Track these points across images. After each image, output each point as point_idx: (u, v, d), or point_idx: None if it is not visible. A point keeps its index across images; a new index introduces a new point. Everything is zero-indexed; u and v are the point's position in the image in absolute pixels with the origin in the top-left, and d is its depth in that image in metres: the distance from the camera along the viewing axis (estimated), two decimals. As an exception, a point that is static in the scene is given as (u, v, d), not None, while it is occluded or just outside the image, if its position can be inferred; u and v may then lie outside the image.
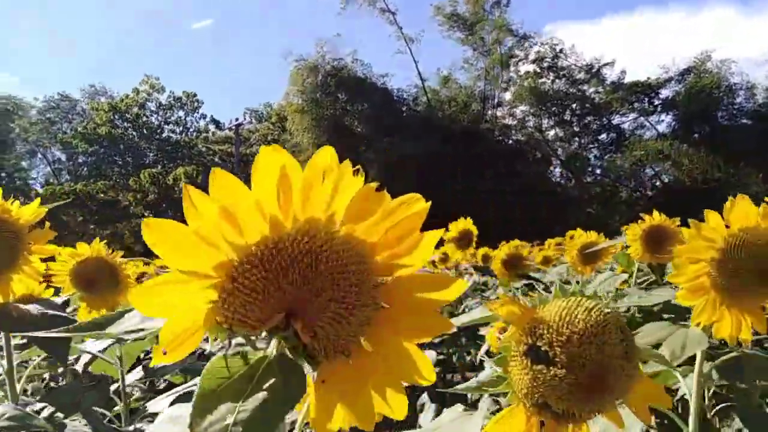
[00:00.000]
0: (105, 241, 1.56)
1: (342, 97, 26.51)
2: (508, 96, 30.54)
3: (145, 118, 34.93)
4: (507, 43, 28.02)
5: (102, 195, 27.88)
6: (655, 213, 1.87)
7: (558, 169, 31.05)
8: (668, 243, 1.88)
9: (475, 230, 2.59)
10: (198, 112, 36.71)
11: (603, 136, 31.24)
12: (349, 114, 26.99)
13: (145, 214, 27.20)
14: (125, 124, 34.27)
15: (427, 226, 0.46)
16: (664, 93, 28.27)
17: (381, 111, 25.91)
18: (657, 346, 1.10)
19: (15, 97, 24.81)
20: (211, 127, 37.77)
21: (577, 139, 31.45)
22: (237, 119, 32.68)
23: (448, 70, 30.11)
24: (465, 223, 2.56)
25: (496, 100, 29.61)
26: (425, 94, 28.31)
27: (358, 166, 0.45)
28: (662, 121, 29.07)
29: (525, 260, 2.74)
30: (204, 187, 0.40)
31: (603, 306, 0.60)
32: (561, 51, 28.88)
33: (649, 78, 28.51)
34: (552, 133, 31.54)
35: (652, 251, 1.87)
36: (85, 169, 34.82)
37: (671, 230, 1.86)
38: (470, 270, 2.66)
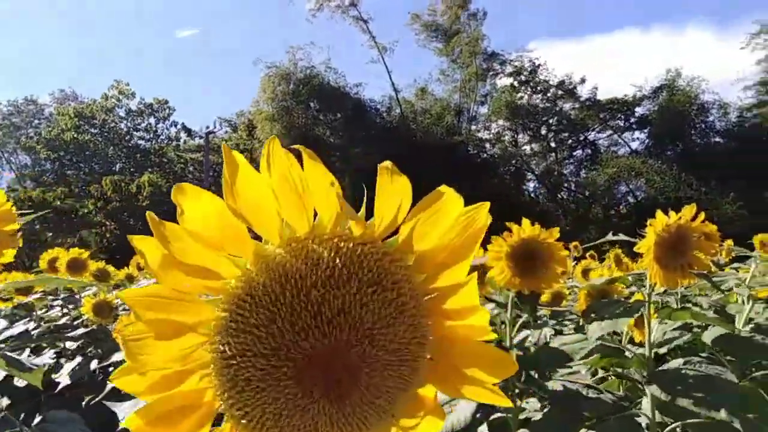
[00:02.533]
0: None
1: (314, 105, 26.07)
2: (484, 110, 30.41)
3: (113, 125, 34.08)
4: (483, 56, 27.90)
5: (59, 202, 26.91)
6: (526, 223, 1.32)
7: (532, 184, 30.93)
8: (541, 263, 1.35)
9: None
10: (169, 120, 36.00)
11: (578, 152, 31.23)
12: (321, 123, 26.55)
13: (106, 223, 26.42)
14: (93, 130, 33.42)
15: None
16: (639, 110, 28.37)
17: (353, 121, 25.51)
18: None
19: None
20: (183, 135, 37.06)
21: (553, 154, 31.40)
22: (208, 127, 32.12)
23: (424, 81, 29.92)
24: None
25: (471, 113, 29.42)
26: (399, 105, 27.98)
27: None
28: (636, 138, 29.14)
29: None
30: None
31: None
32: (538, 66, 28.86)
33: (625, 95, 28.60)
34: (528, 148, 31.46)
35: (522, 275, 1.33)
36: (51, 175, 33.86)
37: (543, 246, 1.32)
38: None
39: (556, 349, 1.24)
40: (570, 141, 31.14)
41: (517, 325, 1.37)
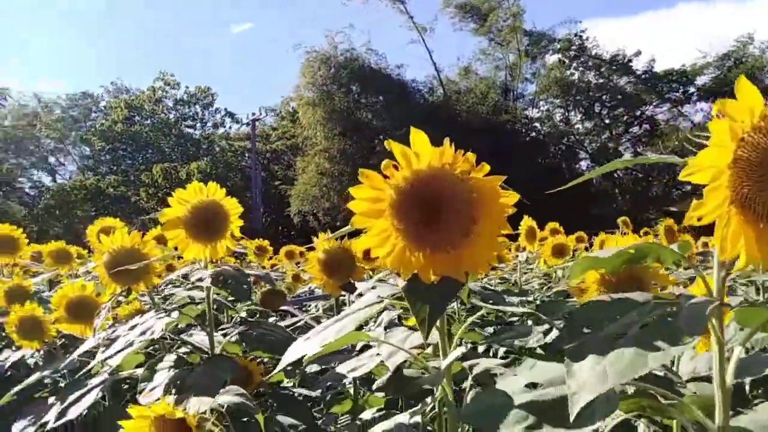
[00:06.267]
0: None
1: (355, 89, 25.58)
2: (532, 87, 29.16)
3: (163, 115, 34.94)
4: (527, 33, 26.68)
5: (112, 190, 27.70)
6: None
7: (585, 163, 29.46)
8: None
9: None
10: (213, 107, 36.70)
11: (635, 128, 29.53)
12: (363, 106, 26.06)
13: (158, 208, 26.90)
14: (145, 121, 34.35)
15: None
16: (701, 80, 26.42)
17: (395, 103, 24.88)
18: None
19: (5, 89, 24.59)
20: (228, 121, 37.79)
21: (607, 131, 29.85)
22: (254, 114, 32.27)
23: (467, 60, 28.92)
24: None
25: (518, 92, 28.25)
26: (442, 85, 27.14)
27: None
28: (700, 109, 27.21)
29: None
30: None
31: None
32: (587, 39, 27.33)
33: (683, 65, 26.71)
34: (580, 126, 30.00)
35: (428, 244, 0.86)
36: (108, 165, 34.97)
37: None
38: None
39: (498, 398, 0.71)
40: (626, 117, 29.47)
41: (456, 339, 0.86)
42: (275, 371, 0.87)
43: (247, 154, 35.27)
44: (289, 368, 1.90)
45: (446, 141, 0.69)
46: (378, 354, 1.43)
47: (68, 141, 36.36)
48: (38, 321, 1.92)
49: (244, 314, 2.62)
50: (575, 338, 0.62)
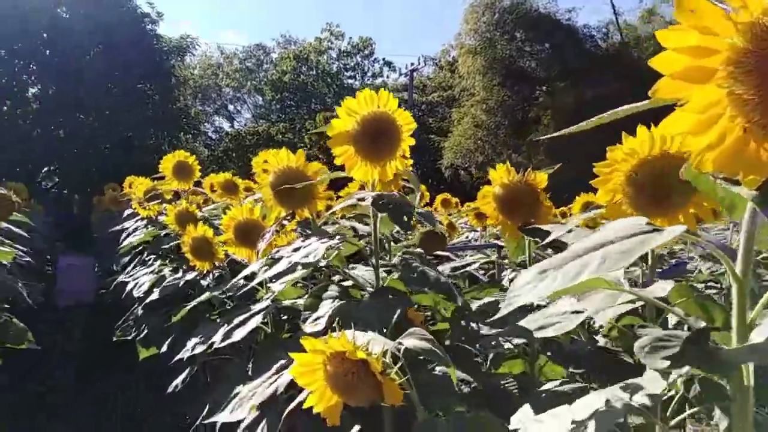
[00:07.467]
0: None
1: (519, 35, 24.08)
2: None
3: (327, 66, 36.63)
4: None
5: (280, 136, 29.79)
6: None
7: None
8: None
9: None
10: (372, 57, 37.53)
11: None
12: (527, 54, 24.50)
13: (320, 156, 28.53)
14: (310, 71, 36.23)
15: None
16: None
17: (564, 50, 22.97)
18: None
19: (189, 36, 26.74)
20: (386, 70, 38.45)
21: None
22: (412, 64, 32.16)
23: (652, 2, 25.65)
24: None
25: (711, 36, 24.50)
26: (619, 30, 24.45)
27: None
28: None
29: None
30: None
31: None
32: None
33: None
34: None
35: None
36: (278, 114, 37.73)
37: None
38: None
39: None
40: None
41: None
42: (498, 314, 0.65)
43: (402, 106, 35.75)
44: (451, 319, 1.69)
45: None
46: (580, 311, 1.14)
47: (244, 90, 39.67)
48: (209, 242, 1.92)
49: (397, 259, 2.48)
50: None
